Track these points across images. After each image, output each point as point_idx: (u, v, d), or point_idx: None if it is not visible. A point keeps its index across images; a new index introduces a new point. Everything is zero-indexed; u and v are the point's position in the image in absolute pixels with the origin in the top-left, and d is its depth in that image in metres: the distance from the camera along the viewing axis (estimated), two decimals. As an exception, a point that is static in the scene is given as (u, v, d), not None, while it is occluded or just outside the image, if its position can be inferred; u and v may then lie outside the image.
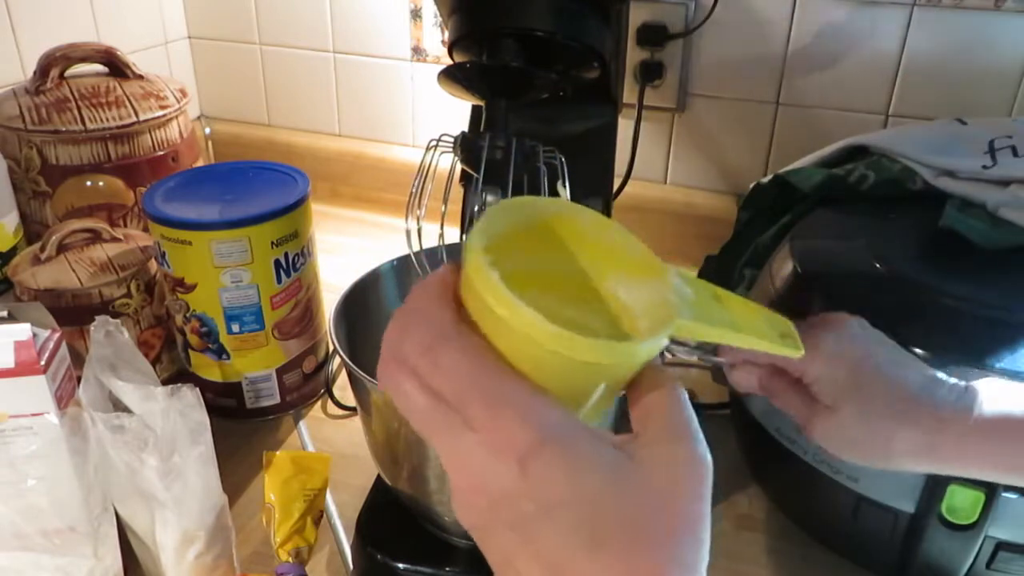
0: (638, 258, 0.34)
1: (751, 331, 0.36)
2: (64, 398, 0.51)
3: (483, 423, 0.29)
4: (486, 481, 0.29)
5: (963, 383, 0.45)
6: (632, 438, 0.31)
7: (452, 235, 0.56)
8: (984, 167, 0.63)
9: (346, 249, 1.05)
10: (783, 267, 0.62)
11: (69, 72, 0.84)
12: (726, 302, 0.37)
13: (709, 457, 0.30)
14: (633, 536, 0.28)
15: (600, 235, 0.35)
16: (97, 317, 0.57)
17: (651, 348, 0.31)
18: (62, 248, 0.72)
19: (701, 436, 0.31)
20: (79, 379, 0.53)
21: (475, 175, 0.53)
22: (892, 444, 0.44)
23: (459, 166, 0.55)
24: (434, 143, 0.55)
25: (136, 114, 0.83)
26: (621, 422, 0.32)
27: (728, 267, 0.78)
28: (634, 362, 0.31)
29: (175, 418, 0.52)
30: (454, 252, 0.63)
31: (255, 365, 0.73)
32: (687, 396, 0.32)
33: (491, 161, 0.51)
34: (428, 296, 0.32)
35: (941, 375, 0.45)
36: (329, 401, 0.79)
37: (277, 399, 0.75)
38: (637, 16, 0.92)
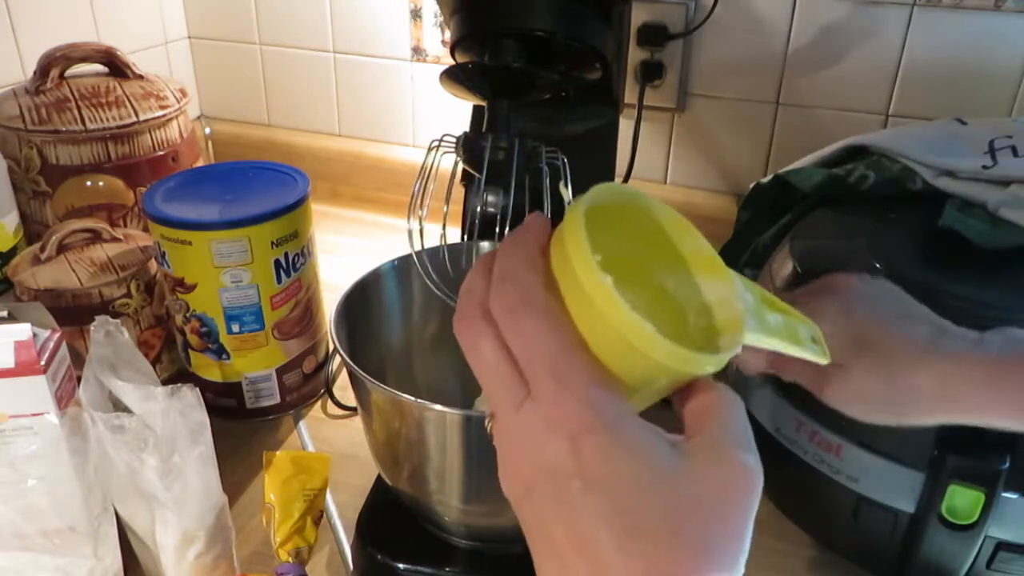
0: (706, 258, 0.35)
1: (796, 339, 0.37)
2: (64, 398, 0.51)
3: (546, 395, 0.30)
4: (536, 452, 0.30)
5: (976, 333, 0.44)
6: (687, 438, 0.31)
7: (453, 235, 0.56)
8: (984, 167, 0.63)
9: (346, 249, 1.05)
10: (783, 267, 0.62)
11: (69, 72, 0.84)
12: (773, 306, 0.37)
13: (761, 471, 0.30)
14: (673, 531, 0.28)
15: (672, 230, 0.36)
16: (97, 317, 0.57)
17: (722, 359, 0.32)
18: (62, 248, 0.72)
19: (755, 448, 0.31)
20: (79, 379, 0.53)
21: (477, 175, 0.53)
22: (907, 398, 0.43)
23: (461, 166, 0.55)
24: (436, 143, 0.55)
25: (136, 114, 0.83)
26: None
27: (728, 267, 0.78)
28: (703, 371, 0.32)
29: (175, 418, 0.52)
30: (455, 252, 0.63)
31: (255, 365, 0.73)
32: (744, 406, 0.32)
33: (493, 162, 0.52)
34: (521, 255, 0.32)
35: (952, 326, 0.44)
36: (329, 401, 0.79)
37: (277, 399, 0.75)
38: (637, 16, 0.92)
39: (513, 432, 0.31)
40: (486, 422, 0.33)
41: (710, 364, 0.31)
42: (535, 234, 0.33)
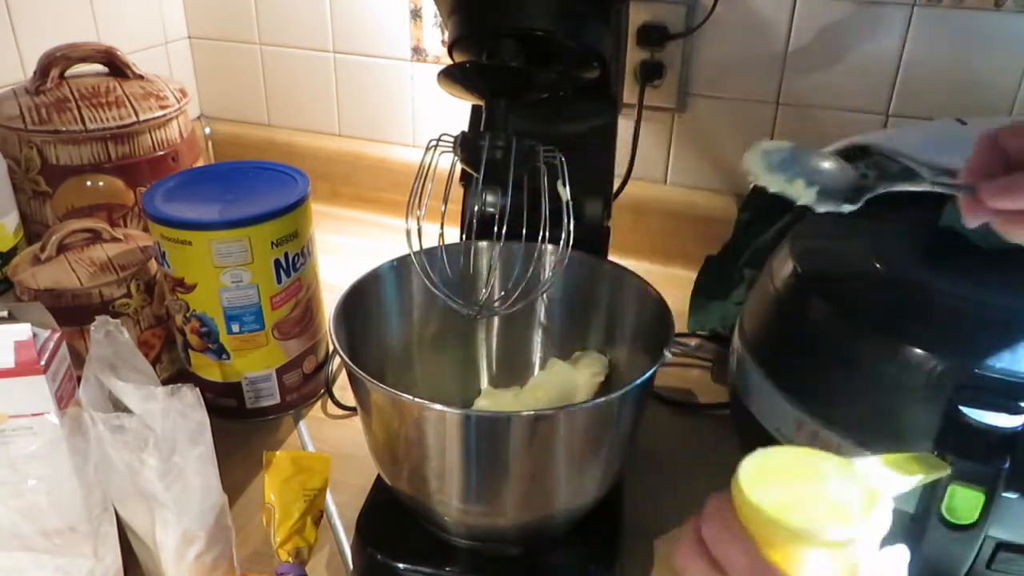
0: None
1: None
2: (64, 398, 0.51)
3: None
4: None
5: None
6: None
7: (452, 235, 0.56)
8: (984, 167, 0.63)
9: (346, 249, 1.05)
10: (783, 267, 0.62)
11: (69, 72, 0.84)
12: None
13: None
14: None
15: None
16: (97, 317, 0.57)
17: (852, 532, 0.37)
18: (62, 248, 0.72)
19: None
20: (79, 379, 0.53)
21: (475, 175, 0.53)
22: None
23: (459, 166, 0.55)
24: (434, 143, 0.55)
25: (136, 114, 0.83)
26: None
27: (728, 267, 0.78)
28: (834, 543, 0.38)
29: (175, 418, 0.52)
30: (453, 252, 0.63)
31: (255, 365, 0.73)
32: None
33: (491, 161, 0.52)
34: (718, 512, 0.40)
35: None
36: (329, 401, 0.79)
37: (277, 399, 0.75)
38: (637, 16, 0.92)
39: None
40: None
41: (842, 537, 0.37)
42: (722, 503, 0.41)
